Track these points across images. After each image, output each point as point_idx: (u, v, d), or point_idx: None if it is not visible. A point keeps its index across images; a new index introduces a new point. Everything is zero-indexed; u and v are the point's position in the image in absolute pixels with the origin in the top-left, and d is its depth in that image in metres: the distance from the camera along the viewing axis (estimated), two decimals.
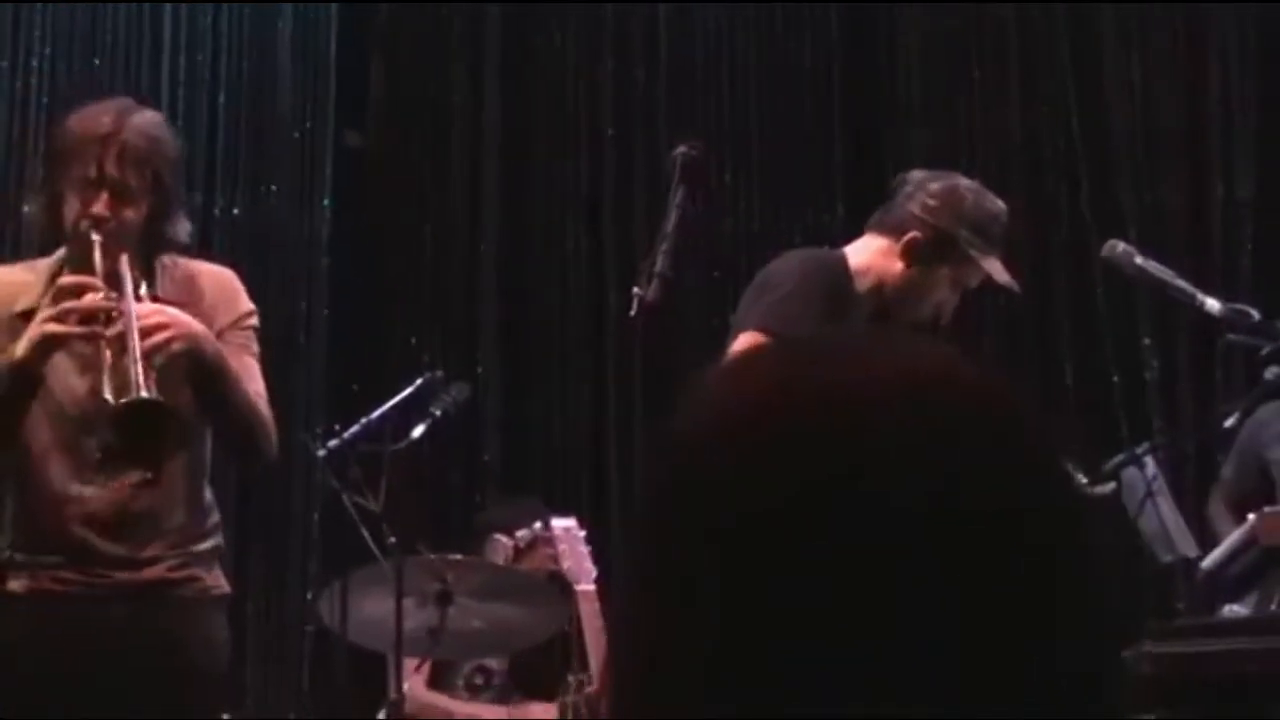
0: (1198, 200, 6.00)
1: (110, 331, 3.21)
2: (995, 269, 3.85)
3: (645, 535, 0.87)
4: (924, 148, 6.16)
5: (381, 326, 6.39)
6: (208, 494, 3.53)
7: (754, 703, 0.80)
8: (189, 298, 3.45)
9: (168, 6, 6.17)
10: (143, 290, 3.33)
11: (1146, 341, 5.79)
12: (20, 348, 3.27)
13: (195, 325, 3.30)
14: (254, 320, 3.53)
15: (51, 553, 3.41)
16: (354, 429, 4.40)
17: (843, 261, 3.80)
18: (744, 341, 3.50)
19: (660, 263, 2.88)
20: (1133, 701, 2.92)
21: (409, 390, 4.57)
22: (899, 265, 3.81)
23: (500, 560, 4.95)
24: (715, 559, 0.83)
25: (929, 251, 3.81)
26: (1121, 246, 3.97)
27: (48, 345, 3.25)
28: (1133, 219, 5.86)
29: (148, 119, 3.47)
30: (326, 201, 6.34)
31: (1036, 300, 5.68)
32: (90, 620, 3.35)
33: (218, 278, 3.57)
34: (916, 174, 3.95)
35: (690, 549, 0.84)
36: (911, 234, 3.81)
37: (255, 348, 3.50)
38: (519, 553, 4.89)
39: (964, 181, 3.94)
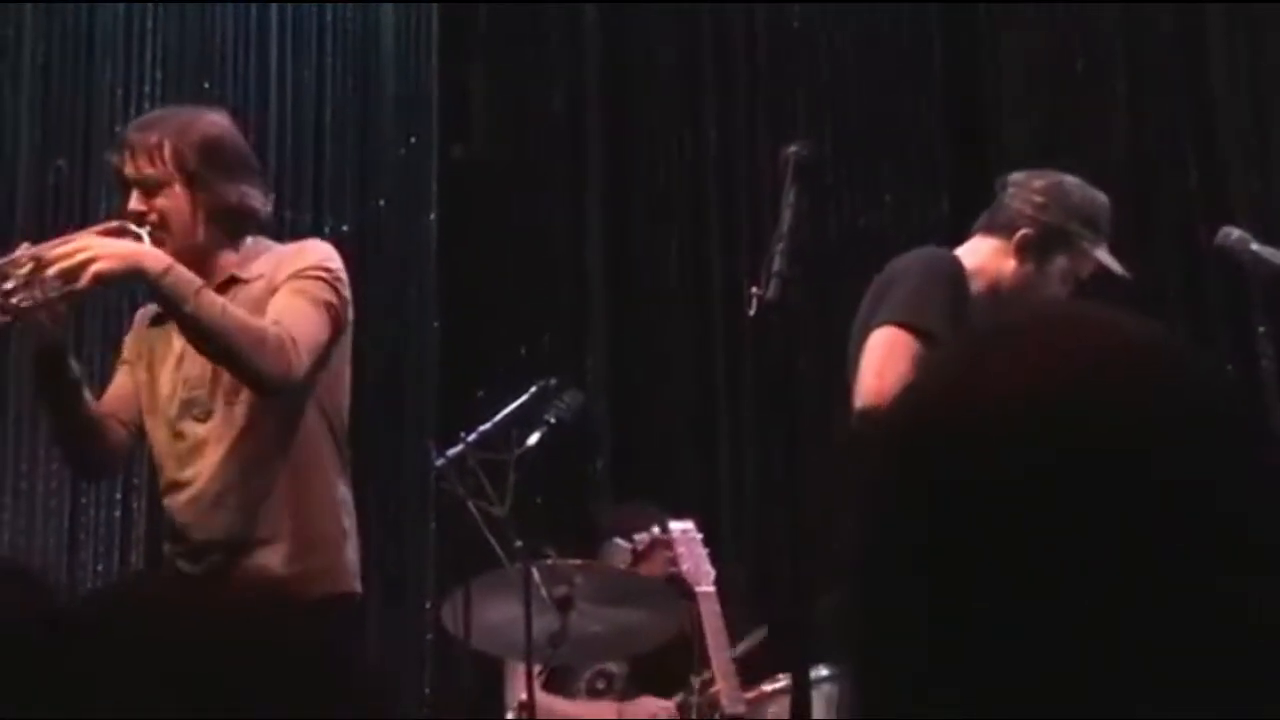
0: None
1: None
2: (1107, 258, 3.94)
3: (870, 525, 0.88)
4: (1026, 140, 6.13)
5: (491, 337, 6.44)
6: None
7: (981, 668, 0.82)
8: (269, 269, 3.57)
9: (273, 28, 6.26)
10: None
11: (1261, 330, 5.72)
12: None
13: (126, 249, 3.38)
14: (321, 273, 3.56)
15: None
16: (471, 437, 4.43)
17: (959, 261, 3.85)
18: (882, 337, 3.59)
19: (778, 263, 2.89)
20: None
21: (524, 398, 4.59)
22: (1012, 264, 3.89)
23: (619, 565, 4.97)
24: (942, 546, 0.84)
25: (1042, 246, 3.90)
26: (1236, 233, 3.97)
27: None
28: (1241, 207, 5.79)
29: (166, 115, 3.67)
30: (433, 215, 6.42)
31: (1147, 292, 5.63)
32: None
33: (301, 245, 3.72)
34: (1018, 175, 4.03)
35: (918, 534, 0.86)
36: (1023, 231, 3.88)
37: (318, 294, 3.52)
38: (637, 557, 4.91)
39: (1067, 177, 4.04)
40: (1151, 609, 0.80)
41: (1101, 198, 4.00)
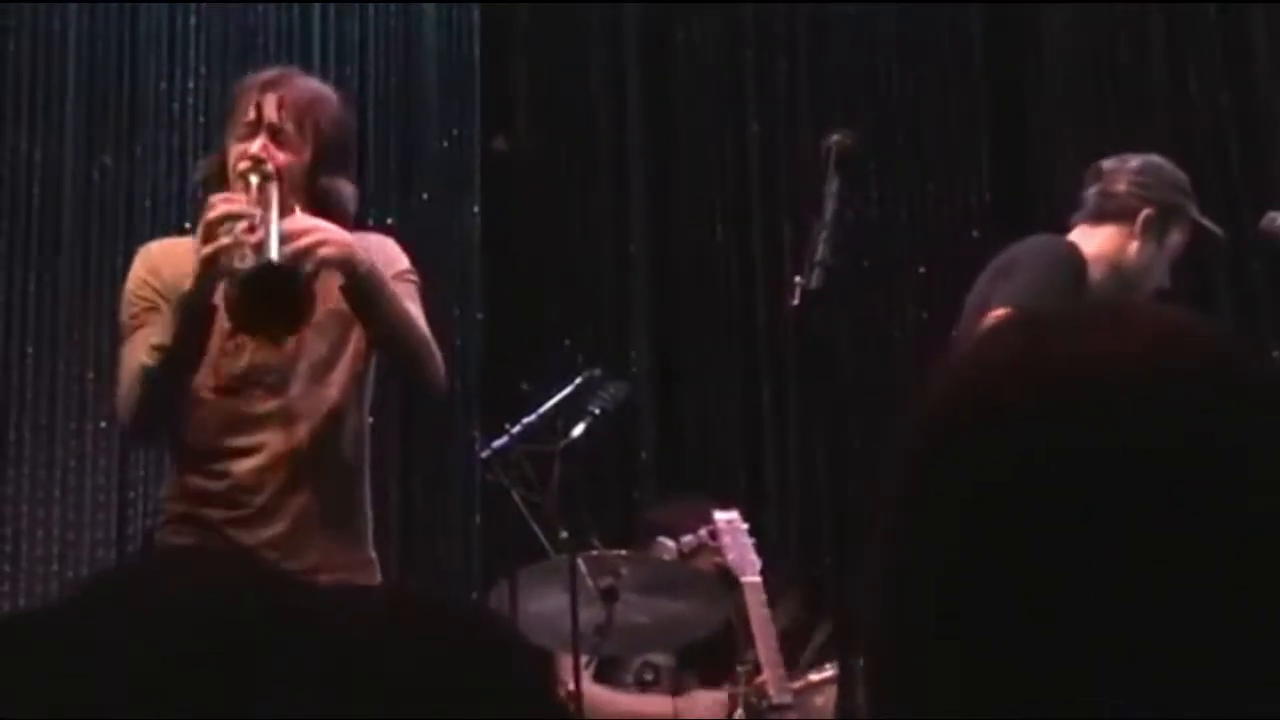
0: None
1: (253, 239, 3.21)
2: (1206, 221, 4.15)
3: (896, 505, 0.88)
4: (1068, 129, 6.11)
5: (536, 328, 6.45)
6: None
7: (1000, 653, 0.82)
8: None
9: (316, 24, 6.28)
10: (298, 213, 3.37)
11: None
12: (189, 285, 3.30)
13: (346, 236, 3.32)
14: (415, 278, 3.57)
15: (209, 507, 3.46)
16: (516, 428, 4.44)
17: (1080, 251, 3.92)
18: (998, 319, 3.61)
19: (821, 251, 2.90)
20: None
21: (568, 389, 4.60)
22: (1136, 244, 4.02)
23: None
24: (964, 527, 0.83)
25: (1162, 224, 4.03)
26: None
27: (206, 270, 3.25)
28: None
29: (312, 81, 3.60)
30: (476, 207, 6.43)
31: (1191, 279, 5.60)
32: None
33: (378, 239, 3.67)
34: (1108, 162, 4.14)
35: (939, 517, 0.85)
36: (1146, 212, 4.01)
37: (418, 302, 3.53)
38: (684, 558, 4.89)
39: (1150, 155, 4.19)
40: (1184, 609, 0.79)
41: (1180, 170, 4.18)
